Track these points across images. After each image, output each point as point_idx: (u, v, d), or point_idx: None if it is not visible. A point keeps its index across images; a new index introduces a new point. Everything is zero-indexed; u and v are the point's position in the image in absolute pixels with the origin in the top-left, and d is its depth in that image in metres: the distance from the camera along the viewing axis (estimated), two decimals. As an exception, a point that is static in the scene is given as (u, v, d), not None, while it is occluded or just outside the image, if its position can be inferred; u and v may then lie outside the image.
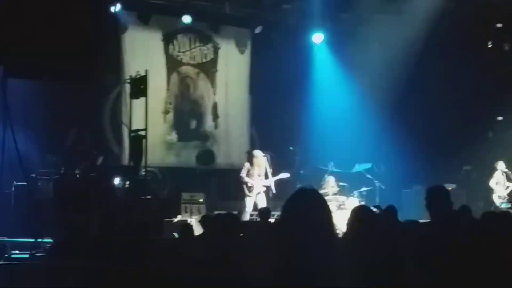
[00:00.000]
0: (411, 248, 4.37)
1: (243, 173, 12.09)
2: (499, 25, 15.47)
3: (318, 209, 2.54)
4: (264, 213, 10.02)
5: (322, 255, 2.44)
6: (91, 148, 13.03)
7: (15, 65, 10.32)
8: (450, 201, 4.55)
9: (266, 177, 12.28)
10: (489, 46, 15.81)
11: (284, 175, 12.45)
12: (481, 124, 15.73)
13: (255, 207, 11.93)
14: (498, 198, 13.92)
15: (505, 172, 14.04)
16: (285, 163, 13.53)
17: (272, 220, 10.41)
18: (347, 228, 3.53)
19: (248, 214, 11.74)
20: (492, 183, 14.03)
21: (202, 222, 8.17)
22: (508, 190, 14.01)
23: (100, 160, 12.32)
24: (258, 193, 12.04)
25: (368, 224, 3.38)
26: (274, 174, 12.38)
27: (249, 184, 11.99)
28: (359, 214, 3.49)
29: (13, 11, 10.39)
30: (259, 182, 12.06)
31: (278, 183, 12.43)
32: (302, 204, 2.56)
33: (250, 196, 12.00)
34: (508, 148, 14.84)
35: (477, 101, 15.51)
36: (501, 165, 14.09)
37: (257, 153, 12.46)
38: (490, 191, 14.06)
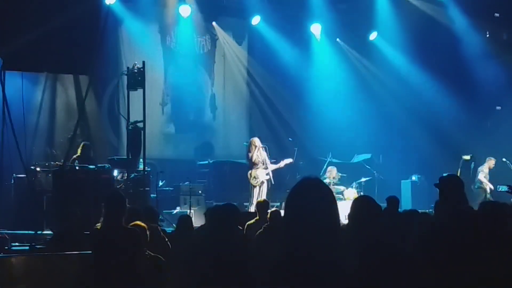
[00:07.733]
0: (416, 238, 4.37)
1: (250, 154, 11.99)
2: (497, 15, 15.45)
3: (324, 198, 2.48)
4: (263, 205, 9.94)
5: (328, 246, 2.40)
6: (90, 140, 13.01)
7: (13, 57, 10.26)
8: (463, 192, 4.54)
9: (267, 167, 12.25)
10: (487, 35, 15.79)
11: (287, 160, 12.46)
12: (480, 113, 15.72)
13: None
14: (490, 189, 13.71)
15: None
16: (284, 154, 13.51)
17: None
18: (349, 219, 3.50)
19: (254, 205, 11.70)
20: (481, 176, 13.82)
21: (206, 214, 8.13)
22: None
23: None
24: (262, 183, 12.03)
25: (370, 214, 3.36)
26: (275, 164, 12.40)
27: (253, 174, 11.97)
28: (361, 205, 3.47)
29: (10, 3, 10.34)
30: (263, 171, 12.06)
31: (277, 174, 12.40)
32: (307, 193, 2.48)
33: (255, 187, 11.99)
34: (507, 138, 14.83)
35: (476, 90, 15.50)
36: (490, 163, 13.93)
37: (255, 138, 12.38)
38: (482, 184, 13.74)
